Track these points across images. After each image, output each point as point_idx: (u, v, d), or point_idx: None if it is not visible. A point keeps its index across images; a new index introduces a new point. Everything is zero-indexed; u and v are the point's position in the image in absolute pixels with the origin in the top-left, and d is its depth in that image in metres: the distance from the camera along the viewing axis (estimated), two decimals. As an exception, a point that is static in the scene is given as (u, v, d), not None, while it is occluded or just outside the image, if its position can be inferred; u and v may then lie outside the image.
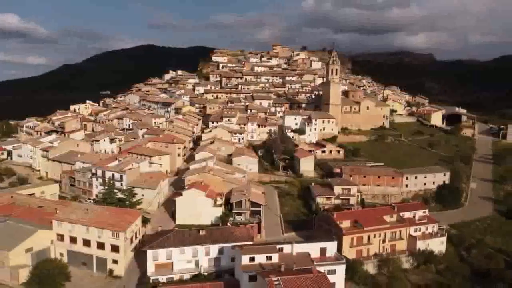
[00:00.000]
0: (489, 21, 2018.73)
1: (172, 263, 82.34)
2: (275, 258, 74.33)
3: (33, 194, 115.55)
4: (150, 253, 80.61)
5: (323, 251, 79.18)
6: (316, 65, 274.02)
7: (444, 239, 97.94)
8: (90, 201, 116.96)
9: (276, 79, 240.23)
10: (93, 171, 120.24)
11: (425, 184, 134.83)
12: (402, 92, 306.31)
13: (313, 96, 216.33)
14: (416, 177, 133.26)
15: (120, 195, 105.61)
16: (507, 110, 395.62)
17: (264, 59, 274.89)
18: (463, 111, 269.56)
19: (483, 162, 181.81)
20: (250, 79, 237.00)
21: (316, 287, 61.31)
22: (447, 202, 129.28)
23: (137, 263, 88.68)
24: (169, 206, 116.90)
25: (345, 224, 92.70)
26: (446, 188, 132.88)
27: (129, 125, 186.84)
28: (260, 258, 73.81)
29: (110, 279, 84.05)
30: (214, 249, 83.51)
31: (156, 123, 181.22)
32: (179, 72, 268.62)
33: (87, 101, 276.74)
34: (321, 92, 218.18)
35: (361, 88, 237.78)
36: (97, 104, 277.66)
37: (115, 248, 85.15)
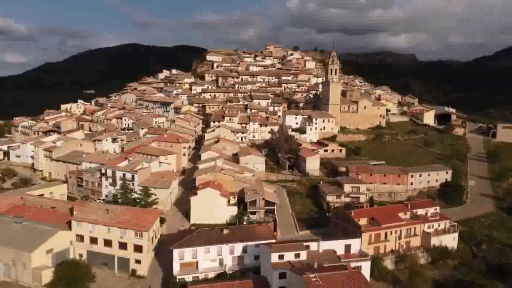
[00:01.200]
0: (469, 23, 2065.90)
1: (197, 262, 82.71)
2: (303, 255, 75.51)
3: (42, 195, 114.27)
4: (176, 252, 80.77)
5: (347, 248, 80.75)
6: (310, 65, 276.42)
7: (456, 235, 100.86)
8: (100, 201, 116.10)
9: (272, 79, 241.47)
10: (103, 171, 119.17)
11: (428, 182, 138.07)
12: (393, 92, 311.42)
13: (311, 96, 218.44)
14: (420, 175, 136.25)
15: (135, 195, 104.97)
16: (491, 109, 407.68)
17: (258, 58, 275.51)
18: (452, 110, 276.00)
19: (478, 160, 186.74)
20: (246, 79, 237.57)
21: (352, 283, 62.64)
22: (450, 199, 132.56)
23: (158, 263, 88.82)
24: (181, 206, 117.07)
25: (362, 221, 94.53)
26: (449, 185, 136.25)
27: (128, 124, 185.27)
28: (289, 256, 74.85)
29: (133, 279, 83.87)
30: (238, 247, 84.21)
31: (157, 123, 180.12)
32: (174, 71, 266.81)
33: (79, 101, 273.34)
34: (318, 92, 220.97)
35: (355, 88, 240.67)
36: (89, 104, 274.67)
37: (138, 248, 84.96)
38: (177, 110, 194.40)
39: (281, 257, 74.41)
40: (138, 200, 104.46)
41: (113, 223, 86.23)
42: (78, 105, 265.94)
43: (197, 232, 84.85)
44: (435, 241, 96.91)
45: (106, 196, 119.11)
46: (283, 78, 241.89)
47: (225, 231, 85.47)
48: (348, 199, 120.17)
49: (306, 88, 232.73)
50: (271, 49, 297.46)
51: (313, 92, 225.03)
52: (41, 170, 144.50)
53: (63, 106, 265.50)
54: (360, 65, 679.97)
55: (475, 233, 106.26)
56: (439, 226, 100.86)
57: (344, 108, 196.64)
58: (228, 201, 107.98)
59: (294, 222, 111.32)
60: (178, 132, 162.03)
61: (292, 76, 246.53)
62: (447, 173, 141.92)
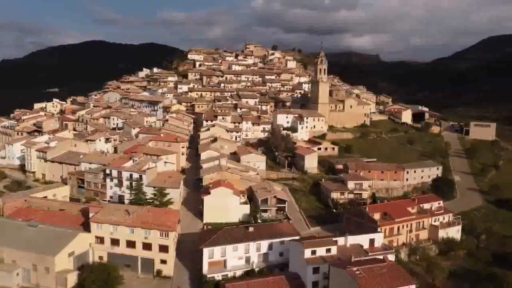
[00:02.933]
0: (429, 25, 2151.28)
1: (225, 260, 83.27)
2: (334, 250, 77.80)
3: (45, 197, 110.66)
4: (206, 251, 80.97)
5: (371, 242, 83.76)
6: (291, 64, 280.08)
7: (460, 227, 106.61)
8: (106, 202, 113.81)
9: (256, 78, 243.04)
10: (107, 171, 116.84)
11: (422, 177, 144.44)
12: (369, 92, 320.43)
13: (296, 95, 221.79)
14: (415, 171, 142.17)
15: (150, 195, 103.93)
16: (459, 108, 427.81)
17: (240, 57, 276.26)
18: (426, 109, 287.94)
19: (457, 156, 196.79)
20: (231, 78, 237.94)
21: (393, 274, 65.46)
22: (443, 194, 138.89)
23: (181, 262, 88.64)
24: (189, 205, 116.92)
25: (376, 216, 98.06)
26: (441, 180, 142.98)
27: (117, 124, 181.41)
28: (321, 251, 76.93)
29: (159, 280, 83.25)
30: (264, 245, 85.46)
31: (148, 122, 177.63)
32: (155, 70, 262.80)
33: (54, 100, 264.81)
34: (303, 91, 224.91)
35: (340, 87, 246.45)
36: (65, 102, 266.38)
37: (163, 248, 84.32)
38: (166, 109, 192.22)
39: (313, 252, 76.33)
40: (151, 201, 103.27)
41: (137, 224, 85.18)
42: (53, 104, 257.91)
43: (223, 230, 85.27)
44: (442, 233, 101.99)
45: (111, 197, 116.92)
46: (267, 77, 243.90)
47: (250, 229, 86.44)
48: (351, 196, 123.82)
49: (291, 87, 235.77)
50: (251, 48, 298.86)
51: (298, 91, 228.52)
52: (33, 172, 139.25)
53: (37, 105, 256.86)
54: (330, 65, 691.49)
55: (476, 226, 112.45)
56: (443, 219, 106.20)
57: (331, 107, 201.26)
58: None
59: (304, 219, 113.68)
60: (172, 132, 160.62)
61: (275, 75, 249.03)
62: (438, 169, 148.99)
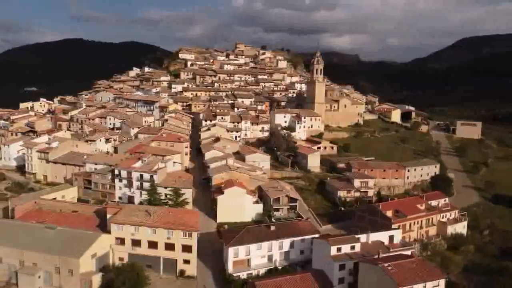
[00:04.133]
0: (405, 26, 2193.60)
1: (249, 259, 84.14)
2: (358, 247, 79.63)
3: (54, 199, 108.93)
4: (231, 250, 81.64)
5: (391, 238, 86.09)
6: (282, 64, 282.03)
7: (466, 223, 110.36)
8: (113, 203, 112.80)
9: (249, 78, 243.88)
10: (116, 172, 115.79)
11: (421, 175, 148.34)
12: (356, 92, 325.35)
13: (290, 95, 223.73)
14: (415, 170, 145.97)
15: (165, 196, 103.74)
16: (443, 108, 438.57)
17: (231, 57, 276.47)
18: (412, 108, 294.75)
19: (448, 155, 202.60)
20: (224, 78, 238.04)
21: (422, 269, 67.73)
22: (441, 191, 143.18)
23: (202, 262, 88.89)
24: (200, 205, 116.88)
25: (388, 214, 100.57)
26: (439, 178, 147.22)
27: (113, 124, 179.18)
28: (346, 248, 78.67)
29: (183, 280, 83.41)
30: (286, 243, 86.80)
31: (146, 122, 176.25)
32: (146, 69, 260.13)
33: (41, 99, 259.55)
34: (297, 91, 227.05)
35: (334, 87, 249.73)
36: (52, 102, 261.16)
37: (186, 248, 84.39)
38: (162, 109, 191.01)
39: (339, 249, 77.97)
40: (165, 201, 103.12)
41: (159, 224, 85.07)
42: (41, 103, 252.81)
43: (246, 229, 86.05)
44: (450, 229, 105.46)
45: (120, 198, 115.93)
46: (259, 77, 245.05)
47: (272, 228, 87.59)
48: (357, 194, 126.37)
49: (284, 87, 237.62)
50: (241, 48, 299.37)
51: (292, 91, 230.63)
52: (34, 173, 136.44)
53: (22, 105, 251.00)
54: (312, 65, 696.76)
55: (480, 221, 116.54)
56: (450, 215, 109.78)
57: (326, 106, 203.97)
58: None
59: (314, 217, 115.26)
60: (172, 132, 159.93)
61: (267, 75, 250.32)
62: (436, 167, 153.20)
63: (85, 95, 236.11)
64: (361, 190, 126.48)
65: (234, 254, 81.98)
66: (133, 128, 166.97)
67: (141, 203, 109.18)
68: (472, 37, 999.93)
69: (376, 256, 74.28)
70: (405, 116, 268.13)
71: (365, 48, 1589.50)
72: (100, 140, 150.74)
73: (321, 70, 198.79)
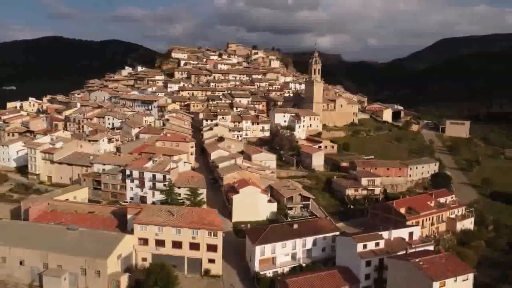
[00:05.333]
0: (384, 27, 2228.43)
1: (274, 257, 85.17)
2: (382, 244, 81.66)
3: (67, 199, 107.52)
4: (258, 249, 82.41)
5: (410, 235, 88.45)
6: (275, 64, 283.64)
7: (473, 219, 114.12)
8: (126, 203, 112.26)
9: (244, 77, 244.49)
10: (127, 172, 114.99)
11: (422, 173, 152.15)
12: (345, 91, 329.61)
13: (289, 95, 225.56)
14: (416, 168, 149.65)
15: (183, 195, 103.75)
16: (430, 108, 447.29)
17: (224, 57, 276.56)
18: (401, 108, 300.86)
19: (441, 153, 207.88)
20: (219, 77, 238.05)
21: (452, 264, 70.07)
22: (442, 188, 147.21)
23: (224, 261, 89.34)
24: (211, 204, 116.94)
25: (402, 211, 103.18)
26: (439, 176, 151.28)
27: (112, 124, 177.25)
28: (371, 245, 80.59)
29: (209, 279, 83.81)
30: (309, 241, 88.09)
31: (146, 122, 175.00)
32: (139, 68, 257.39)
33: (30, 99, 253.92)
34: (292, 91, 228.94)
35: (330, 87, 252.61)
36: (41, 101, 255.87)
37: (212, 248, 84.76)
38: (161, 108, 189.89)
39: (365, 246, 79.86)
40: (182, 200, 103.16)
41: (184, 224, 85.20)
42: (30, 103, 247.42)
43: (270, 228, 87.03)
44: (459, 225, 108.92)
45: (131, 198, 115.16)
46: (254, 76, 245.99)
47: (295, 226, 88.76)
48: (364, 192, 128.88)
49: (279, 86, 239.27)
50: (233, 47, 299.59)
51: (287, 90, 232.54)
52: (37, 174, 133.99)
53: (10, 105, 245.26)
54: (298, 64, 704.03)
55: (485, 217, 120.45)
56: (458, 212, 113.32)
57: (323, 106, 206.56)
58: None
59: (326, 215, 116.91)
60: (174, 131, 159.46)
61: (261, 74, 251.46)
62: (435, 165, 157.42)
63: (78, 95, 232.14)
64: (368, 188, 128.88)
65: (261, 252, 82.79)
66: (134, 128, 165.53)
67: (153, 203, 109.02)
68: (450, 38, 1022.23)
69: (403, 252, 76.43)
70: (395, 115, 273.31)
71: (346, 48, 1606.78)
72: (103, 140, 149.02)
73: (319, 70, 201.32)
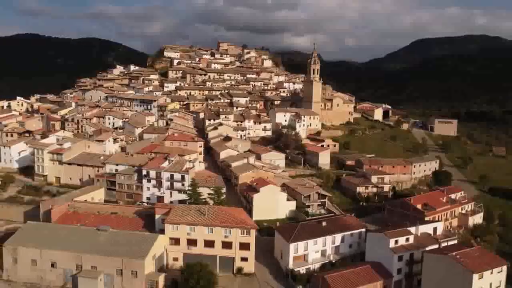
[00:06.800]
0: (360, 27, 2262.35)
1: (305, 254, 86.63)
2: (411, 239, 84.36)
3: (85, 200, 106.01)
4: (292, 246, 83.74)
5: (434, 230, 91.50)
6: (267, 63, 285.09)
7: (482, 214, 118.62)
8: (144, 203, 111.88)
9: (238, 77, 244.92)
10: (144, 172, 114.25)
11: (424, 171, 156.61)
12: (337, 91, 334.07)
13: (283, 94, 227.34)
14: (420, 165, 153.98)
15: (206, 195, 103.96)
16: (409, 107, 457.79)
17: (217, 56, 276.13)
18: (389, 107, 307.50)
19: (434, 151, 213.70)
20: (214, 76, 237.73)
21: (486, 257, 73.24)
22: (444, 185, 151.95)
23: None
24: (227, 203, 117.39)
25: (418, 207, 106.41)
26: (440, 173, 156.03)
27: (113, 123, 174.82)
28: (402, 240, 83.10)
29: (243, 277, 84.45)
30: (338, 237, 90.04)
31: (148, 121, 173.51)
32: (132, 67, 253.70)
33: (18, 98, 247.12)
34: (285, 90, 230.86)
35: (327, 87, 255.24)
36: (28, 100, 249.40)
37: (244, 246, 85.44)
38: (161, 108, 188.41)
39: (396, 242, 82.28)
40: (205, 200, 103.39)
41: (216, 223, 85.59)
42: (18, 102, 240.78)
43: (301, 226, 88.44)
44: (471, 220, 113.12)
45: (148, 198, 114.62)
46: (248, 76, 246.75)
47: (324, 223, 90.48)
48: (374, 189, 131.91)
49: (274, 86, 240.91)
50: (225, 46, 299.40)
51: (282, 90, 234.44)
52: (45, 175, 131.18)
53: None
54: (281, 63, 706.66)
55: (492, 212, 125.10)
56: (468, 207, 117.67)
57: (321, 105, 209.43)
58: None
59: (341, 213, 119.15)
60: (178, 131, 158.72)
61: (255, 74, 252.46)
62: (436, 162, 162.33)
63: (70, 94, 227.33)
64: (378, 185, 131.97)
65: (294, 250, 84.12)
66: (137, 128, 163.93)
67: (171, 203, 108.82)
68: (424, 39, 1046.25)
69: (435, 247, 79.22)
70: (383, 114, 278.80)
71: (324, 48, 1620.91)
72: (109, 140, 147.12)
73: (317, 70, 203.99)
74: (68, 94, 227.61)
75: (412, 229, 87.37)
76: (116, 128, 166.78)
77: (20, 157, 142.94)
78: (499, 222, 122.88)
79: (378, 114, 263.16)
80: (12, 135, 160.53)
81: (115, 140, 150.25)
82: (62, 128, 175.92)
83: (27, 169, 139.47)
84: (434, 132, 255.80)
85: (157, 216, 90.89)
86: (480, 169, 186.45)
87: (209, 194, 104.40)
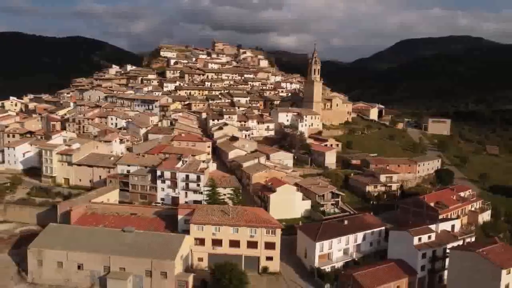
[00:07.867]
0: (347, 27, 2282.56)
1: (329, 253, 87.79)
2: (433, 236, 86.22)
3: (102, 202, 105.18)
4: (318, 245, 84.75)
5: (452, 227, 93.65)
6: (263, 63, 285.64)
7: (490, 212, 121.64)
8: (158, 204, 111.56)
9: (236, 77, 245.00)
10: (158, 173, 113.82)
11: (428, 169, 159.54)
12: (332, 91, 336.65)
13: (282, 94, 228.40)
14: (424, 164, 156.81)
15: (227, 195, 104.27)
16: (398, 107, 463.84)
17: (213, 56, 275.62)
18: (382, 107, 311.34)
19: (431, 150, 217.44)
20: (212, 76, 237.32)
21: (509, 252, 75.42)
22: (445, 183, 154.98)
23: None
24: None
25: (431, 205, 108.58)
26: (442, 171, 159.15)
27: (116, 124, 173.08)
28: (424, 238, 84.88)
29: (269, 276, 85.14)
30: (360, 236, 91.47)
31: (152, 122, 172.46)
32: (129, 67, 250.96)
33: (11, 98, 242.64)
34: (283, 90, 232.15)
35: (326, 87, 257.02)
36: (22, 100, 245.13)
37: (270, 245, 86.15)
38: (163, 108, 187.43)
39: (419, 239, 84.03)
40: (223, 200, 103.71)
41: (242, 223, 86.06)
42: (11, 102, 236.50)
43: (324, 225, 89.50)
44: (480, 218, 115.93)
45: (162, 199, 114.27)
46: (246, 76, 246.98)
47: (346, 222, 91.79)
48: (382, 188, 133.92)
49: (272, 86, 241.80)
50: (220, 46, 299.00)
51: (281, 89, 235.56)
52: (53, 176, 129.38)
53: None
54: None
55: (499, 210, 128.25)
56: (477, 205, 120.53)
57: (321, 105, 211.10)
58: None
59: (354, 212, 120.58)
60: (184, 131, 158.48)
61: (252, 74, 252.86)
62: (438, 161, 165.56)
63: (67, 94, 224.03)
64: (387, 184, 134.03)
65: (320, 248, 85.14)
66: (141, 128, 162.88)
67: (186, 203, 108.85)
68: (409, 39, 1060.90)
69: (459, 243, 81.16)
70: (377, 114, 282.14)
71: (311, 48, 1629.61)
72: (115, 141, 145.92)
73: (318, 70, 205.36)
74: (65, 94, 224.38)
75: (433, 227, 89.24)
76: (120, 129, 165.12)
77: (24, 158, 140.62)
78: (504, 219, 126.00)
79: (373, 114, 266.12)
80: (14, 136, 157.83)
81: (121, 141, 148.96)
82: (63, 128, 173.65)
83: (31, 170, 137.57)
84: (427, 132, 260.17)
85: (180, 217, 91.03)
86: (477, 168, 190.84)
87: (227, 194, 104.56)
